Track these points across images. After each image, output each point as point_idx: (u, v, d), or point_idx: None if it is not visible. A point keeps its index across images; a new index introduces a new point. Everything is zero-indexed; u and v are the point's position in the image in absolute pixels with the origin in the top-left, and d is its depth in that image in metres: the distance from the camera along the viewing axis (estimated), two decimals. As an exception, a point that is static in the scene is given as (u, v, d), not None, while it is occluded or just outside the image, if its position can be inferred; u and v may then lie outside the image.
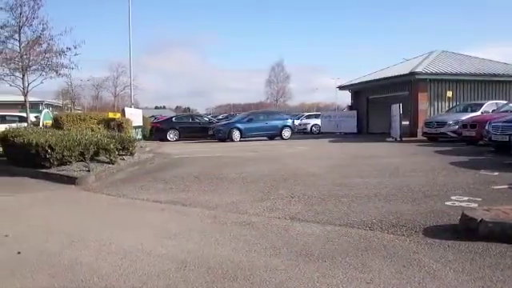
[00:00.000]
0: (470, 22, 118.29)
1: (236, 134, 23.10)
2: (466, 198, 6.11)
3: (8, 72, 14.71)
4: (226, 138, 22.80)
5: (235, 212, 5.88)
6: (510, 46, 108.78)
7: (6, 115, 20.60)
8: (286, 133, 24.48)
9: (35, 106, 34.17)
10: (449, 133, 17.00)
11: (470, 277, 3.41)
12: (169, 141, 23.92)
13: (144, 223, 5.53)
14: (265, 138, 23.85)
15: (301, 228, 4.99)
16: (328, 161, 11.65)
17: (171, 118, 28.23)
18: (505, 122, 11.60)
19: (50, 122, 16.47)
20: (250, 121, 24.17)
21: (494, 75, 22.82)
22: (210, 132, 23.90)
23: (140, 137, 18.50)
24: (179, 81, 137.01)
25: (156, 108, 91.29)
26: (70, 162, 9.63)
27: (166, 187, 7.99)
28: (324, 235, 4.67)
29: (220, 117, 41.10)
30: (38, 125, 15.96)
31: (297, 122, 35.15)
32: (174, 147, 18.66)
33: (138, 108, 29.59)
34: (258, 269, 3.68)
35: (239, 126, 23.71)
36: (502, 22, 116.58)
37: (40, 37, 14.64)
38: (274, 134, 24.08)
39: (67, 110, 48.02)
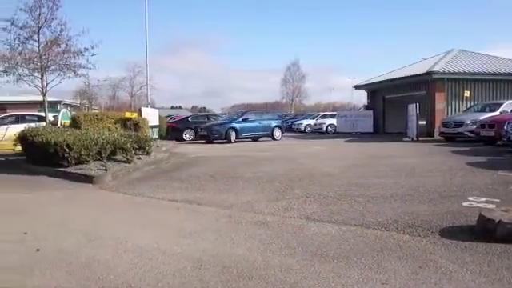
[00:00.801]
0: (485, 21, 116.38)
1: (233, 135, 22.21)
2: (483, 199, 6.04)
3: (27, 72, 14.91)
4: (224, 138, 21.77)
5: (250, 211, 5.89)
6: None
7: (25, 115, 20.86)
8: (277, 133, 24.12)
9: (53, 106, 34.57)
10: (466, 133, 16.79)
11: (487, 279, 3.37)
12: (185, 140, 24.02)
13: (160, 222, 5.58)
14: (260, 137, 23.41)
15: (316, 228, 4.98)
16: (344, 161, 11.60)
17: (187, 117, 28.33)
18: (524, 121, 11.43)
19: (67, 122, 16.65)
20: (245, 120, 23.22)
21: (513, 74, 22.46)
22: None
23: (156, 136, 18.61)
24: (195, 81, 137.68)
25: (172, 108, 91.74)
26: (88, 161, 9.74)
27: (181, 186, 8.04)
28: (339, 235, 4.66)
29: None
30: (56, 124, 16.13)
31: (312, 122, 35.17)
32: (190, 147, 18.75)
33: (154, 108, 29.77)
34: (273, 268, 3.69)
35: (236, 125, 22.70)
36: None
37: (58, 37, 14.81)
38: (267, 135, 23.67)
39: (85, 109, 48.49)
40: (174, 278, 3.54)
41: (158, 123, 20.24)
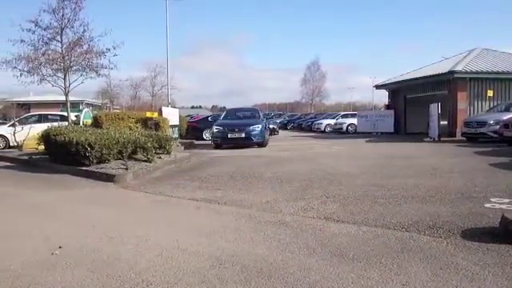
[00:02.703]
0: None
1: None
2: (506, 200, 5.94)
3: (51, 72, 15.18)
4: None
5: (270, 211, 5.90)
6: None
7: (47, 114, 21.22)
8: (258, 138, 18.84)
9: (76, 106, 35.18)
10: (489, 133, 16.52)
11: (509, 281, 3.32)
12: (205, 140, 24.12)
13: (180, 221, 5.63)
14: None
15: (336, 228, 4.97)
16: (364, 161, 11.52)
17: (207, 117, 28.43)
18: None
19: (89, 121, 16.88)
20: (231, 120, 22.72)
21: (538, 73, 21.97)
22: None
23: (177, 136, 18.75)
24: (216, 80, 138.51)
25: (192, 107, 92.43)
26: (109, 160, 9.88)
27: (201, 185, 8.09)
28: (359, 236, 4.64)
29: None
30: (79, 124, 16.38)
31: (332, 122, 35.01)
32: (210, 146, 18.85)
33: (174, 107, 30.03)
34: (292, 268, 3.69)
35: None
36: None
37: (81, 38, 15.04)
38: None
39: (106, 109, 49.19)
40: (193, 276, 3.57)
41: (178, 123, 20.37)
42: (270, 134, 25.95)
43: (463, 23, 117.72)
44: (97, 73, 15.64)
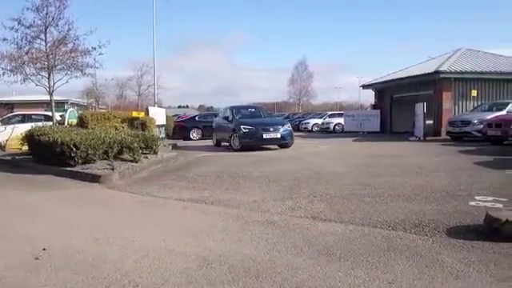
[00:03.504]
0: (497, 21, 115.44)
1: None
2: (490, 198, 6.01)
3: (34, 71, 15.00)
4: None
5: (257, 211, 5.90)
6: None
7: (31, 114, 20.93)
8: None
9: (60, 105, 34.72)
10: (473, 132, 16.71)
11: (493, 278, 3.36)
12: (192, 140, 24.05)
13: (167, 221, 5.59)
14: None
15: (323, 227, 4.98)
16: (351, 160, 11.58)
17: (194, 116, 28.36)
18: (532, 121, 11.35)
19: (74, 121, 16.72)
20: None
21: (520, 73, 22.30)
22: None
23: (163, 135, 18.64)
24: (204, 80, 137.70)
25: (179, 107, 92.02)
26: (95, 161, 9.78)
27: (188, 186, 8.06)
28: (346, 235, 4.66)
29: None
30: (63, 123, 16.21)
31: (319, 121, 35.17)
32: (197, 145, 18.79)
33: (161, 107, 29.87)
34: (280, 267, 3.69)
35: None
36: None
37: (66, 37, 14.89)
38: None
39: (92, 108, 48.77)
40: (180, 276, 3.55)
41: (165, 122, 20.27)
42: None
43: (451, 23, 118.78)
44: (82, 72, 15.50)
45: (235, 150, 15.24)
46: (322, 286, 3.31)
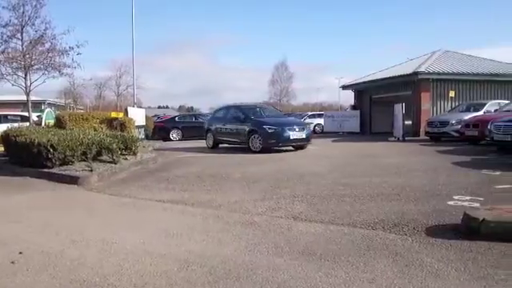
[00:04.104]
0: (480, 21, 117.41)
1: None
2: (468, 198, 6.10)
3: (10, 71, 14.77)
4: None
5: (238, 211, 5.88)
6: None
7: (7, 114, 20.58)
8: None
9: (37, 106, 34.21)
10: (451, 132, 16.96)
11: (471, 276, 3.41)
12: (172, 140, 23.90)
13: (146, 223, 5.53)
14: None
15: (304, 227, 4.99)
16: (331, 160, 11.64)
17: (174, 117, 28.20)
18: (507, 121, 11.57)
19: (52, 122, 16.49)
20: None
21: (496, 75, 22.76)
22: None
23: (143, 136, 18.51)
24: (184, 80, 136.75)
25: (159, 107, 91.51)
26: (73, 162, 9.64)
27: (168, 187, 8.00)
28: (327, 235, 4.67)
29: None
30: (40, 124, 15.98)
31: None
32: (177, 147, 18.67)
33: (140, 107, 29.66)
34: (261, 268, 3.68)
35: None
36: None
37: (43, 36, 14.70)
38: None
39: (70, 109, 48.13)
40: (160, 279, 3.52)
41: (144, 123, 20.16)
42: None
43: (431, 24, 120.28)
44: (59, 72, 15.32)
45: (254, 152, 14.21)
46: (303, 286, 3.31)
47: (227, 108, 17.50)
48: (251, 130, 14.77)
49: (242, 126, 15.28)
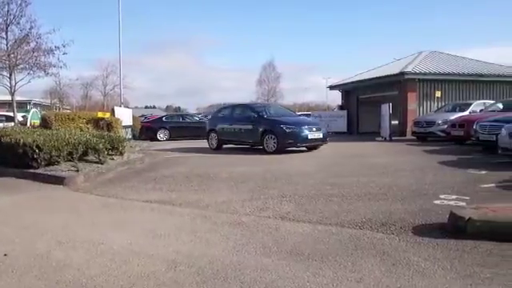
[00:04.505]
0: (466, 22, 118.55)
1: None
2: (454, 197, 6.16)
3: (-5, 71, 14.58)
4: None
5: (226, 212, 5.87)
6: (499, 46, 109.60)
7: (-8, 114, 20.36)
8: None
9: (22, 106, 33.84)
10: (437, 132, 17.13)
11: (458, 275, 3.44)
12: (159, 140, 23.78)
13: (134, 223, 5.49)
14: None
15: (292, 227, 4.99)
16: (318, 160, 11.68)
17: (161, 117, 28.08)
18: (492, 121, 11.70)
19: (37, 122, 16.33)
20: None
21: (482, 75, 23.05)
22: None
23: (130, 136, 18.40)
24: (171, 80, 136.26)
25: (146, 107, 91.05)
26: (59, 162, 9.54)
27: (155, 187, 7.96)
28: (315, 234, 4.68)
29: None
30: (26, 124, 15.81)
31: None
32: (164, 147, 18.58)
33: (127, 107, 29.50)
34: (249, 268, 3.68)
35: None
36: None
37: (28, 35, 14.56)
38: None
39: (55, 109, 47.69)
40: (148, 280, 3.49)
41: (131, 123, 20.04)
42: None
43: (417, 24, 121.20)
44: (45, 71, 15.22)
45: (268, 153, 13.64)
46: (291, 286, 3.31)
47: (233, 107, 16.85)
48: (266, 130, 14.11)
49: (255, 125, 14.52)
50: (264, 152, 13.81)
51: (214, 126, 16.39)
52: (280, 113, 15.83)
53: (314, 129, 14.13)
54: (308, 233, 4.75)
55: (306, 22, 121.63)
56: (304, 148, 14.24)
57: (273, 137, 13.82)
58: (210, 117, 19.42)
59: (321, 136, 14.15)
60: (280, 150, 13.50)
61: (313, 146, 14.34)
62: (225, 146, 16.06)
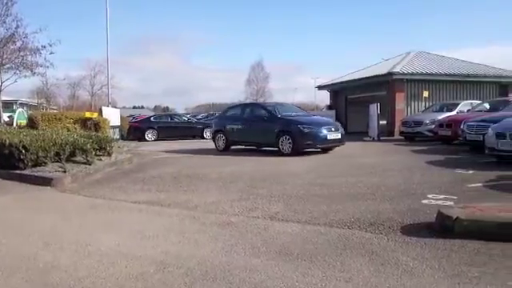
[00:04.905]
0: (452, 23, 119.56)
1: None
2: (441, 197, 6.21)
3: (-20, 71, 14.41)
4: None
5: (215, 212, 5.85)
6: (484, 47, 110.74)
7: (-22, 115, 20.07)
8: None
9: (9, 106, 33.44)
10: (425, 132, 17.25)
11: (446, 274, 3.46)
12: (147, 141, 23.67)
13: (122, 224, 5.46)
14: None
15: (280, 227, 4.99)
16: (306, 162, 11.69)
17: (149, 117, 27.95)
18: (479, 121, 11.82)
19: (24, 122, 16.16)
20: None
21: (468, 75, 23.28)
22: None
23: (118, 137, 18.29)
24: (159, 80, 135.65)
25: (134, 107, 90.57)
26: (46, 163, 9.43)
27: (144, 188, 7.91)
28: (303, 234, 4.68)
29: (199, 116, 40.71)
30: (12, 125, 15.64)
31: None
32: (153, 147, 18.50)
33: (115, 107, 29.33)
34: (238, 269, 3.67)
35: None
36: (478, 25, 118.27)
37: (14, 34, 14.40)
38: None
39: (42, 109, 47.21)
40: (136, 281, 3.47)
41: (119, 123, 19.93)
42: None
43: (406, 24, 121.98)
44: (32, 71, 15.07)
45: (283, 155, 12.79)
46: (280, 286, 3.31)
47: (243, 106, 16.01)
48: (282, 130, 13.21)
49: (269, 125, 13.69)
50: (277, 154, 13.01)
51: (222, 127, 15.45)
52: (294, 112, 14.93)
53: (333, 129, 13.35)
54: (297, 233, 4.75)
55: (296, 21, 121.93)
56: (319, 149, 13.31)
57: (288, 137, 12.98)
58: (216, 117, 18.76)
59: (339, 136, 13.36)
60: (297, 152, 12.71)
61: (329, 147, 13.49)
62: (233, 147, 15.29)
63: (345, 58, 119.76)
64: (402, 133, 19.03)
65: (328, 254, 3.99)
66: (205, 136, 24.99)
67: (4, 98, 16.92)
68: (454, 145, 14.13)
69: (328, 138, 12.98)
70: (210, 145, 16.03)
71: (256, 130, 14.13)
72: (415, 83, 22.60)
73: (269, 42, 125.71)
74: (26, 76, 15.14)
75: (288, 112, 14.58)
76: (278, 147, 13.17)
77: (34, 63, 14.80)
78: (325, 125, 13.37)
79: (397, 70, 22.30)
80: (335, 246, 4.24)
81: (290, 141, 12.89)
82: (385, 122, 22.36)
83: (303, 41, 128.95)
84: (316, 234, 4.69)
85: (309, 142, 12.89)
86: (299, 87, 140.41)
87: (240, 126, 14.77)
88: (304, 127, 12.93)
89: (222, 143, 15.19)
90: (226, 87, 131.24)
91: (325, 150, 13.32)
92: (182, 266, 3.76)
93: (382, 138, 19.87)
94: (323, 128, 13.08)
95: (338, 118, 27.94)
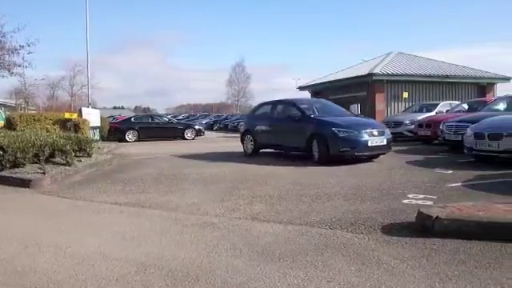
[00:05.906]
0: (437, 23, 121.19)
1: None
2: (421, 196, 6.28)
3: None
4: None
5: (196, 213, 5.82)
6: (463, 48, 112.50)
7: (-46, 116, 19.65)
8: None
9: (-14, 106, 32.85)
10: (405, 132, 17.42)
11: (426, 273, 3.50)
12: (128, 141, 23.47)
13: (102, 226, 5.39)
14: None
15: (262, 228, 4.99)
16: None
17: (130, 118, 27.72)
18: (458, 121, 11.99)
19: (1, 123, 15.86)
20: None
21: (447, 76, 23.65)
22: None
23: (98, 137, 18.08)
24: (139, 80, 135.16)
25: (114, 108, 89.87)
26: (24, 165, 9.29)
27: (124, 189, 7.84)
28: (285, 235, 4.69)
29: (180, 117, 40.51)
30: (-10, 126, 15.33)
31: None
32: (133, 148, 18.35)
33: (95, 108, 28.93)
34: (220, 270, 3.66)
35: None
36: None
37: (-9, 34, 14.11)
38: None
39: (20, 110, 46.45)
40: (117, 283, 3.43)
41: (99, 124, 19.70)
42: (197, 135, 25.83)
43: (387, 25, 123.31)
44: (9, 71, 14.80)
45: (315, 164, 10.51)
46: (262, 286, 3.31)
47: (274, 103, 13.67)
48: (314, 134, 11.02)
49: (300, 126, 11.57)
50: (310, 161, 10.78)
51: (251, 127, 13.65)
52: (331, 111, 12.69)
53: (376, 132, 10.84)
54: (279, 233, 4.76)
55: (277, 22, 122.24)
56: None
57: (322, 142, 10.73)
58: (245, 116, 16.77)
59: (384, 142, 10.92)
60: (330, 160, 10.41)
61: (372, 155, 11.11)
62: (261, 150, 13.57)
63: (328, 59, 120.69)
64: (382, 133, 19.19)
65: (310, 254, 3.99)
66: (186, 137, 24.90)
67: (-19, 98, 16.58)
68: (434, 145, 14.31)
69: (369, 144, 10.58)
70: (200, 147, 15.93)
71: (285, 131, 12.17)
72: (395, 84, 22.87)
73: (253, 44, 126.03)
74: (3, 76, 14.95)
75: (324, 111, 12.46)
76: (311, 153, 11.02)
77: (12, 63, 14.56)
78: (365, 127, 10.90)
79: (377, 70, 22.54)
80: (317, 246, 4.24)
81: (322, 146, 10.67)
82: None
83: (287, 42, 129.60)
84: (298, 234, 4.69)
85: (345, 149, 10.45)
86: (281, 88, 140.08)
87: (268, 128, 12.93)
88: (339, 130, 10.56)
89: (250, 146, 13.47)
90: (207, 88, 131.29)
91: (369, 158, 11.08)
92: (164, 268, 3.73)
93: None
94: (363, 131, 10.65)
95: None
